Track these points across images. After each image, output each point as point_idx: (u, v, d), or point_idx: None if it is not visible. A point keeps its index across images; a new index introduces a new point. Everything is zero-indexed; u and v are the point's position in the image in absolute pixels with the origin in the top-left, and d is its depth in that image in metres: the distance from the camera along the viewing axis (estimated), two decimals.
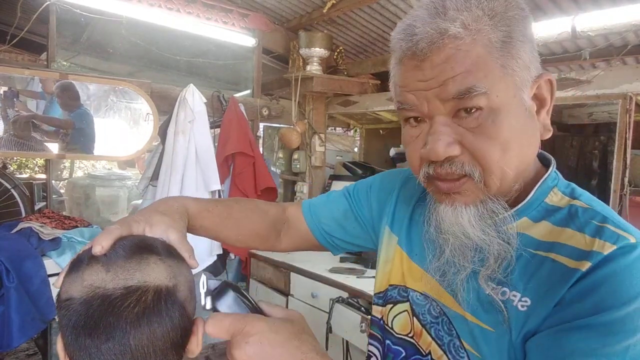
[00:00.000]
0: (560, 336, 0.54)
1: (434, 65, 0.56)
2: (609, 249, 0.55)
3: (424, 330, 0.70)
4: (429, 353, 0.69)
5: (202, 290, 0.55)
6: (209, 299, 0.55)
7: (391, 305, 0.77)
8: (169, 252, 0.60)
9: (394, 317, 0.76)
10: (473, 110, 0.56)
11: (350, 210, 0.90)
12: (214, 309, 0.55)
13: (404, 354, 0.74)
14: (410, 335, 0.73)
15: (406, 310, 0.74)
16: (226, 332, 0.51)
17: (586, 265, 0.55)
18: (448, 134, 0.57)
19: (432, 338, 0.69)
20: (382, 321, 0.79)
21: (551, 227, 0.61)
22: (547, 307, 0.56)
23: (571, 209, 0.62)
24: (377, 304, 0.81)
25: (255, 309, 0.56)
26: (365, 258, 2.44)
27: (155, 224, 0.64)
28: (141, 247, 0.58)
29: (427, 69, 0.56)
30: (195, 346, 0.58)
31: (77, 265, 0.56)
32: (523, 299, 0.58)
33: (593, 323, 0.52)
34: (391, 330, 0.77)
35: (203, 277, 0.56)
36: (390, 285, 0.78)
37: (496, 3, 0.57)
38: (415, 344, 0.72)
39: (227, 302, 0.55)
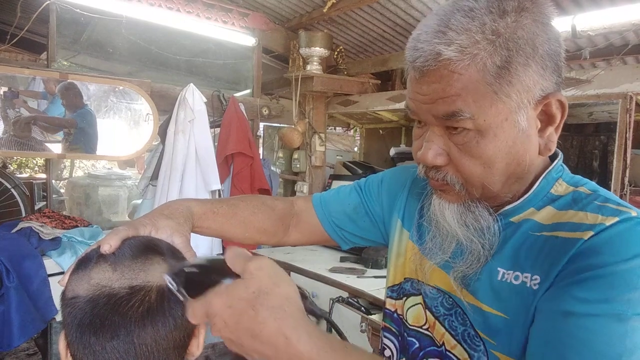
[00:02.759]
0: (561, 290, 0.56)
1: (430, 83, 0.58)
2: (611, 221, 0.57)
3: (437, 322, 0.73)
4: (443, 344, 0.71)
5: (174, 289, 0.53)
6: (182, 291, 0.52)
7: (405, 297, 0.80)
8: (172, 253, 0.61)
9: (408, 309, 0.79)
10: (460, 129, 0.59)
11: (361, 205, 0.92)
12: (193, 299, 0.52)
13: (417, 345, 0.76)
14: (425, 327, 0.75)
15: (420, 303, 0.76)
16: (201, 317, 0.50)
17: (588, 234, 0.57)
18: (438, 144, 0.62)
19: (446, 329, 0.71)
20: (395, 314, 0.82)
21: (554, 211, 0.64)
22: (552, 276, 0.58)
23: (575, 194, 0.64)
24: (391, 297, 0.84)
25: (221, 274, 0.51)
26: (365, 258, 2.44)
27: (161, 228, 0.65)
28: (147, 248, 0.59)
29: (424, 84, 0.59)
30: (195, 348, 0.59)
31: (85, 263, 0.57)
32: (534, 277, 0.60)
33: (595, 275, 0.54)
34: (405, 322, 0.79)
35: (167, 279, 0.53)
36: (405, 278, 0.81)
37: (503, 23, 0.55)
38: (431, 335, 0.74)
39: (196, 287, 0.51)
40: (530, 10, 0.56)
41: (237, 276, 0.51)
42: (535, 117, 0.60)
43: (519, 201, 0.65)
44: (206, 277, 0.52)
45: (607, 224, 0.56)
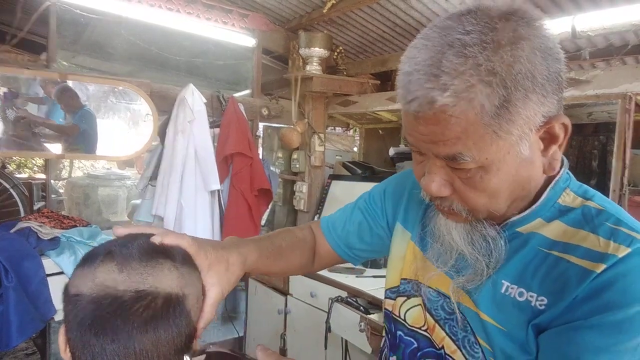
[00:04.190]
0: (572, 333, 0.55)
1: (427, 125, 0.56)
2: (623, 251, 0.56)
3: (437, 325, 0.73)
4: (442, 347, 0.72)
5: None
6: None
7: (404, 298, 0.80)
8: (184, 260, 0.61)
9: (407, 310, 0.79)
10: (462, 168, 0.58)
11: (364, 221, 0.93)
12: None
13: (415, 345, 0.76)
14: (424, 328, 0.75)
15: (419, 305, 0.76)
16: None
17: (601, 268, 0.56)
18: (441, 176, 0.60)
19: (446, 333, 0.71)
20: (392, 314, 0.82)
21: (565, 227, 0.62)
22: (561, 305, 0.57)
23: (584, 209, 0.63)
24: (389, 298, 0.84)
25: None
26: None
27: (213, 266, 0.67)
28: (157, 251, 0.58)
29: (420, 124, 0.56)
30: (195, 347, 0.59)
31: (91, 260, 0.56)
32: (540, 298, 0.60)
33: (605, 321, 0.53)
34: (404, 322, 0.79)
35: (186, 358, 0.56)
36: (403, 279, 0.81)
37: (498, 60, 0.51)
38: (429, 337, 0.74)
39: None
40: (526, 38, 0.53)
41: None
42: (537, 140, 0.58)
43: (526, 212, 0.64)
44: None
45: (620, 255, 0.55)
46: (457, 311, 0.68)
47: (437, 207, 0.67)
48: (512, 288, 0.62)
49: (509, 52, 0.52)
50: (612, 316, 0.53)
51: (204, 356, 0.56)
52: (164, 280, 0.55)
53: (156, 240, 0.60)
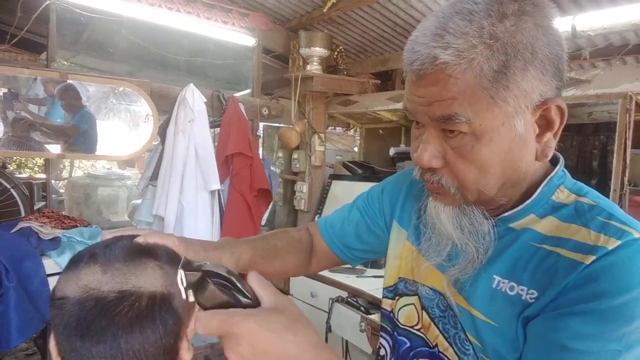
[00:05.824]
0: (558, 320, 0.56)
1: (426, 86, 0.58)
2: (613, 244, 0.56)
3: (432, 323, 0.73)
4: (436, 345, 0.72)
5: (182, 286, 0.50)
6: (190, 292, 0.50)
7: (398, 297, 0.80)
8: (168, 259, 0.60)
9: (400, 308, 0.79)
10: (456, 132, 0.59)
11: (362, 220, 0.93)
12: (199, 304, 0.50)
13: (408, 345, 0.76)
14: (417, 327, 0.75)
15: (413, 304, 0.77)
16: (216, 332, 0.47)
17: (590, 259, 0.56)
18: (434, 146, 0.61)
19: (440, 331, 0.71)
20: (391, 314, 0.82)
21: (557, 222, 0.62)
22: (549, 295, 0.58)
23: (577, 205, 0.63)
24: (387, 297, 0.84)
25: (242, 294, 0.50)
26: None
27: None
28: (141, 251, 0.58)
29: (421, 86, 0.59)
30: (185, 351, 0.58)
31: (76, 263, 0.56)
32: (530, 291, 0.60)
33: (591, 309, 0.54)
34: (397, 322, 0.79)
35: (181, 273, 0.50)
36: (400, 278, 0.81)
37: (502, 27, 0.54)
38: (423, 336, 0.74)
39: (211, 295, 0.49)
40: (531, 14, 0.56)
41: (257, 302, 0.50)
42: (533, 122, 0.59)
43: (519, 207, 0.65)
44: (225, 289, 0.49)
45: (609, 247, 0.56)
46: (452, 306, 0.69)
47: (426, 186, 0.67)
48: (503, 282, 0.63)
49: (513, 22, 0.54)
50: (598, 305, 0.53)
51: (199, 274, 0.50)
52: (148, 279, 0.55)
53: (140, 240, 0.60)
